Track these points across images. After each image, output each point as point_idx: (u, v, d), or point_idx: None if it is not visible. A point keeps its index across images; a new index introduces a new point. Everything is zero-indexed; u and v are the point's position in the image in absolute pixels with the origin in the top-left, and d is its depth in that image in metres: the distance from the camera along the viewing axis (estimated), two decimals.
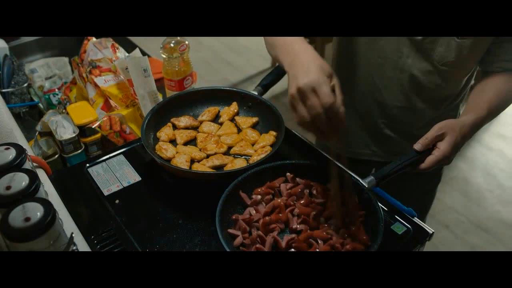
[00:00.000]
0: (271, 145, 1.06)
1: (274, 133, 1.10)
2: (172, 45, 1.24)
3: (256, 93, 1.17)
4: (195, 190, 0.99)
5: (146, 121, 1.08)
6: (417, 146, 0.92)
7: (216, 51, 3.88)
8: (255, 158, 1.02)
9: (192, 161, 1.04)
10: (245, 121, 1.15)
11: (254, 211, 0.90)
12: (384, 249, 0.80)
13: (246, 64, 3.69)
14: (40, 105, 1.40)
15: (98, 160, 1.07)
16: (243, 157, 1.05)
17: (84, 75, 1.30)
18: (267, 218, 0.86)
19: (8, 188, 0.70)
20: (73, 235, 0.71)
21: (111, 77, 1.28)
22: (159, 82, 1.31)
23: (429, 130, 0.93)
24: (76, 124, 1.15)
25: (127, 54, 1.36)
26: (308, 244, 0.84)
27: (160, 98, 1.26)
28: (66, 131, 1.15)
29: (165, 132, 1.10)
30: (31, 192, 0.71)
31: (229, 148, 1.08)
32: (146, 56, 1.24)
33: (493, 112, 1.01)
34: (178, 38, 1.25)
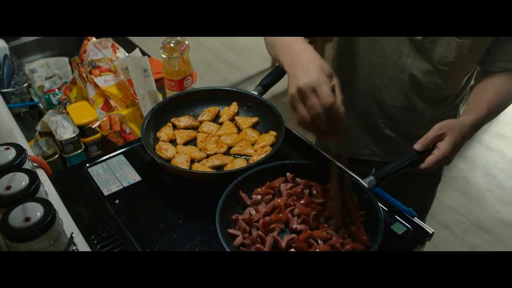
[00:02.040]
0: (271, 145, 1.06)
1: (274, 133, 1.10)
2: (172, 45, 1.24)
3: (256, 93, 1.17)
4: (195, 190, 0.99)
5: (146, 121, 1.08)
6: (417, 146, 0.92)
7: (216, 51, 3.88)
8: (255, 158, 1.02)
9: (192, 161, 1.04)
10: (245, 121, 1.15)
11: (254, 211, 0.90)
12: (384, 249, 0.80)
13: (246, 64, 3.69)
14: (40, 105, 1.40)
15: (98, 160, 1.07)
16: (243, 157, 1.05)
17: (84, 75, 1.30)
18: (267, 218, 0.86)
19: (8, 188, 0.70)
20: (73, 235, 0.71)
21: (111, 77, 1.28)
22: (159, 82, 1.31)
23: (429, 130, 0.93)
24: (76, 124, 1.15)
25: (127, 54, 1.36)
26: (308, 244, 0.84)
27: (160, 98, 1.26)
28: (66, 131, 1.15)
29: (165, 132, 1.10)
30: (31, 192, 0.71)
31: (229, 148, 1.08)
32: (146, 56, 1.24)
33: (493, 112, 1.01)
34: (178, 38, 1.25)
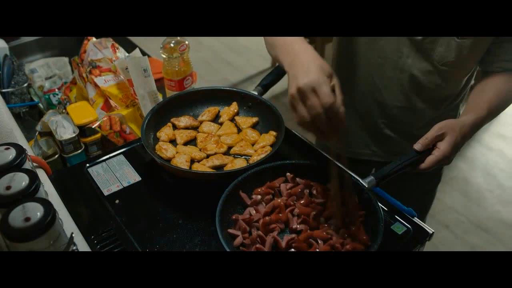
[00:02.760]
0: (271, 145, 1.06)
1: (274, 133, 1.10)
2: (172, 45, 1.24)
3: (256, 93, 1.17)
4: (195, 190, 0.99)
5: (146, 121, 1.08)
6: (417, 146, 0.92)
7: (216, 51, 3.88)
8: (255, 158, 1.02)
9: (192, 161, 1.04)
10: (245, 121, 1.15)
11: (254, 211, 0.90)
12: (384, 249, 0.80)
13: (246, 64, 3.69)
14: (40, 105, 1.40)
15: (98, 160, 1.07)
16: (243, 157, 1.05)
17: (84, 75, 1.30)
18: (267, 218, 0.86)
19: (8, 188, 0.70)
20: (73, 235, 0.71)
21: (111, 77, 1.28)
22: (159, 82, 1.31)
23: (429, 130, 0.93)
24: (76, 124, 1.15)
25: (127, 54, 1.36)
26: (308, 244, 0.84)
27: (160, 98, 1.26)
28: (66, 131, 1.15)
29: (165, 132, 1.10)
30: (31, 192, 0.71)
31: (229, 148, 1.08)
32: (146, 56, 1.24)
33: (493, 112, 1.01)
34: (178, 38, 1.25)
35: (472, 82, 1.19)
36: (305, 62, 0.79)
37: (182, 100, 1.19)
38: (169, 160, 1.02)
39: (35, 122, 1.31)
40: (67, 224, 0.83)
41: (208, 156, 1.05)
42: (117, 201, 0.97)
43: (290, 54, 0.84)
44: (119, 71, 1.26)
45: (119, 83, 1.27)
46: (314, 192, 0.92)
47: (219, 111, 1.19)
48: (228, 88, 1.22)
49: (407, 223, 0.91)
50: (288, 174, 0.96)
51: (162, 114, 1.14)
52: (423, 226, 0.91)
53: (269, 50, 0.95)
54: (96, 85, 1.27)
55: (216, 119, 1.17)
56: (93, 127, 1.17)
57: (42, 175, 0.96)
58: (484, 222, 2.36)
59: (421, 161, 0.92)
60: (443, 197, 2.47)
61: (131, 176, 1.03)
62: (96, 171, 1.04)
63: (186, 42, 1.25)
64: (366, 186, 0.89)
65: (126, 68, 1.21)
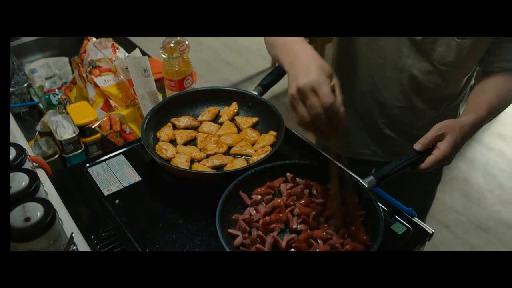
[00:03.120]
0: (271, 145, 1.06)
1: (274, 133, 1.10)
2: (172, 45, 1.24)
3: (256, 93, 1.17)
4: (195, 190, 0.99)
5: (146, 121, 1.08)
6: (417, 146, 0.92)
7: (216, 51, 3.88)
8: (255, 158, 1.02)
9: (192, 161, 1.04)
10: (245, 121, 1.15)
11: (254, 211, 0.90)
12: (384, 249, 0.80)
13: (246, 64, 3.69)
14: (40, 105, 1.40)
15: (98, 160, 1.07)
16: (243, 157, 1.05)
17: (84, 75, 1.30)
18: (267, 218, 0.86)
19: None
20: (73, 235, 0.71)
21: (111, 77, 1.28)
22: (159, 82, 1.31)
23: (429, 130, 0.93)
24: (76, 124, 1.15)
25: (127, 54, 1.36)
26: (308, 244, 0.84)
27: (160, 98, 1.26)
28: (66, 131, 1.15)
29: (165, 132, 1.10)
30: (31, 192, 0.71)
31: (229, 148, 1.08)
32: (146, 56, 1.24)
33: (493, 112, 1.01)
34: (178, 38, 1.25)
35: (472, 82, 1.19)
36: (305, 62, 0.79)
37: (182, 100, 1.19)
38: (169, 160, 1.02)
39: (35, 122, 1.31)
40: (67, 224, 0.83)
41: (208, 156, 1.05)
42: (117, 201, 0.97)
43: (290, 54, 0.84)
44: (119, 71, 1.26)
45: (119, 83, 1.27)
46: (314, 192, 0.92)
47: (219, 111, 1.19)
48: (228, 88, 1.22)
49: (407, 223, 0.91)
50: (288, 174, 0.96)
51: (162, 114, 1.15)
52: (423, 226, 0.91)
53: (269, 50, 0.95)
54: (96, 85, 1.27)
55: (216, 119, 1.17)
56: (93, 127, 1.17)
57: (42, 175, 0.96)
58: (484, 222, 2.36)
59: (421, 161, 0.92)
60: (443, 197, 2.47)
61: (131, 176, 1.03)
62: (96, 171, 1.04)
63: (186, 42, 1.25)
64: (366, 186, 0.89)
65: (126, 68, 1.21)
